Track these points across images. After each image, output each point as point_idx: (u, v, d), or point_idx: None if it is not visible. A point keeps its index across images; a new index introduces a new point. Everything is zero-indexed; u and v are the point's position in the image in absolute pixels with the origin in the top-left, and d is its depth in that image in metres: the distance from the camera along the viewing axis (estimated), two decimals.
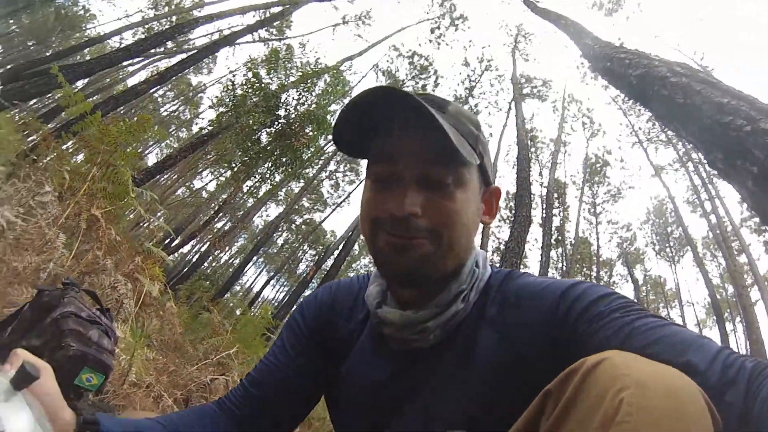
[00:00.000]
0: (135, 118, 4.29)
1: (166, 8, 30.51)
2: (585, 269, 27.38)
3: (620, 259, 30.42)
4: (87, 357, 1.42)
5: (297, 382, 1.09)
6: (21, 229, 1.95)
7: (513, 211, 11.29)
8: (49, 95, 13.37)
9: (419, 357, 0.96)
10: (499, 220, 23.78)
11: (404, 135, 0.90)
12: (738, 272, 18.36)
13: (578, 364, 0.63)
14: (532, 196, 11.36)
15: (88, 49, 20.91)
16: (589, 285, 0.88)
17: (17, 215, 1.92)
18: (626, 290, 29.40)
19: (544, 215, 19.87)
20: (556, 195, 25.26)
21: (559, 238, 26.16)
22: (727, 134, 2.76)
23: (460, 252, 0.93)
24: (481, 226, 1.02)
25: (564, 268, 25.96)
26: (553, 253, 26.34)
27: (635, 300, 0.85)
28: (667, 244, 30.16)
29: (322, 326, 1.12)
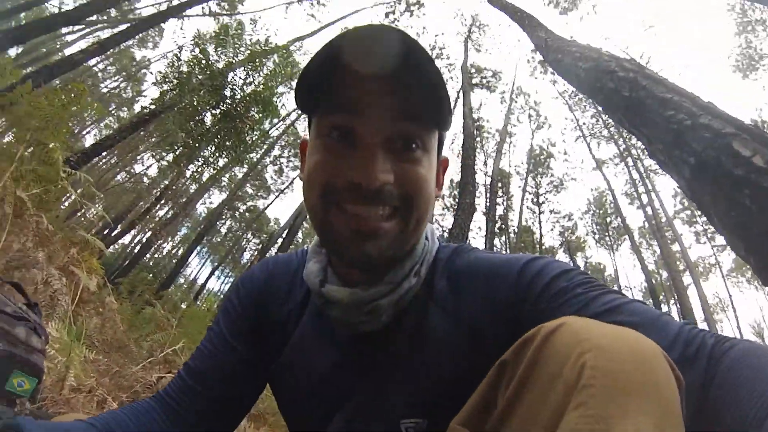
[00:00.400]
0: (70, 91, 4.01)
1: None
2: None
3: (562, 247, 31.71)
4: (14, 357, 1.29)
5: (237, 371, 0.97)
6: None
7: (457, 199, 11.42)
8: None
9: (367, 341, 0.87)
10: (443, 208, 24.30)
11: (376, 81, 0.74)
12: (671, 259, 19.48)
13: (534, 332, 0.60)
14: (476, 185, 11.49)
15: (24, 13, 19.68)
16: (548, 260, 0.84)
17: None
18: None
19: (488, 204, 20.43)
20: (500, 184, 26.01)
21: (503, 226, 27.05)
22: (668, 127, 2.90)
23: (422, 227, 0.84)
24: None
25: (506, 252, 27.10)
26: (496, 241, 27.19)
27: (594, 277, 0.82)
28: (606, 233, 31.81)
29: (258, 308, 1.01)
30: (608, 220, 31.24)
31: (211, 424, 0.96)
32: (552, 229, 31.29)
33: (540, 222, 29.66)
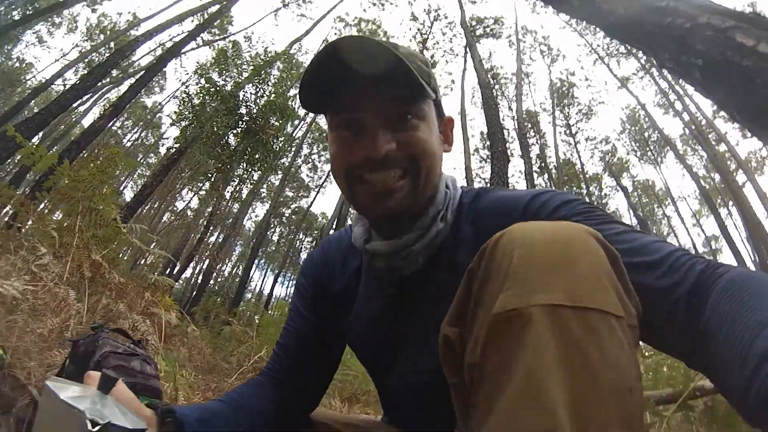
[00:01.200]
0: (102, 156, 4.29)
1: (102, 36, 29.88)
2: (574, 188, 27.89)
3: (606, 171, 30.95)
4: (136, 386, 1.50)
5: (316, 339, 1.18)
6: (33, 296, 2.04)
7: (490, 150, 11.40)
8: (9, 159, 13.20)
9: (409, 284, 1.01)
10: (480, 161, 24.03)
11: (364, 80, 0.92)
12: (720, 160, 18.73)
13: (488, 241, 0.69)
14: (505, 131, 11.43)
15: (34, 100, 20.55)
16: (553, 193, 0.93)
17: (26, 283, 2.00)
18: (618, 200, 30.16)
19: (521, 146, 20.08)
20: (529, 125, 25.55)
21: (542, 165, 26.57)
22: (670, 35, 2.87)
23: (434, 180, 0.99)
24: (444, 155, 1.06)
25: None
26: (540, 181, 26.82)
27: (600, 207, 0.90)
28: (647, 149, 30.83)
29: (322, 283, 1.20)
30: (646, 135, 30.24)
31: (306, 384, 1.19)
32: (592, 157, 30.87)
33: (578, 152, 29.17)
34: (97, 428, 0.71)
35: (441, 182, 1.03)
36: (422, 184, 0.95)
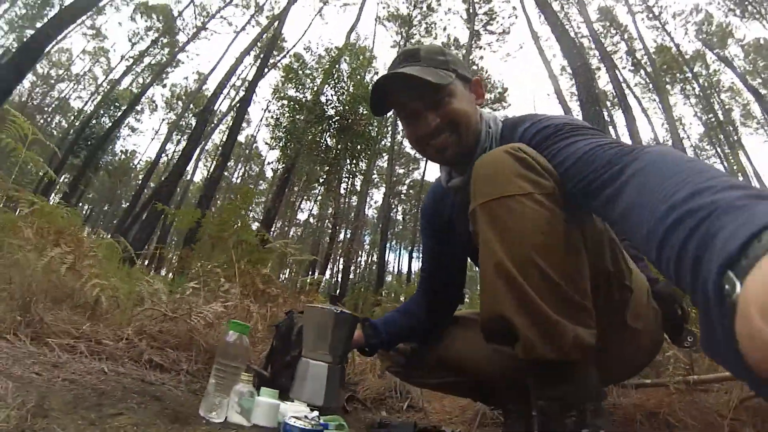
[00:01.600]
0: (235, 198, 5.14)
1: (180, 102, 32.99)
2: (677, 74, 25.53)
3: (705, 46, 28.01)
4: None
5: (442, 257, 1.72)
6: (228, 312, 2.85)
7: (570, 68, 11.16)
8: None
9: None
10: (569, 78, 22.89)
11: (404, 91, 1.38)
12: None
13: None
14: (578, 43, 11.11)
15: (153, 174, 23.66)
16: (533, 121, 1.29)
17: (221, 305, 2.80)
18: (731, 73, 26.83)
19: (600, 53, 19.01)
20: (607, 23, 23.83)
21: (635, 60, 24.69)
22: None
23: (472, 127, 1.39)
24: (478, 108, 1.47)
25: (650, 86, 24.56)
26: (638, 79, 25.00)
27: (570, 122, 1.20)
28: (746, 2, 27.24)
29: (434, 218, 1.71)
30: None
31: (445, 290, 1.75)
32: (686, 33, 27.91)
33: (668, 33, 26.76)
34: (339, 311, 1.34)
35: (483, 125, 1.43)
36: (463, 135, 1.38)
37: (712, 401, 1.64)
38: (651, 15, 26.81)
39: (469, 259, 1.73)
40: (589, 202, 1.00)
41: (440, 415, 2.64)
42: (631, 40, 26.46)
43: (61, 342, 2.04)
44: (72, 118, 34.99)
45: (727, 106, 31.80)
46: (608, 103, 23.59)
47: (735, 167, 27.30)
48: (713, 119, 30.04)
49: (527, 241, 1.05)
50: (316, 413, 1.37)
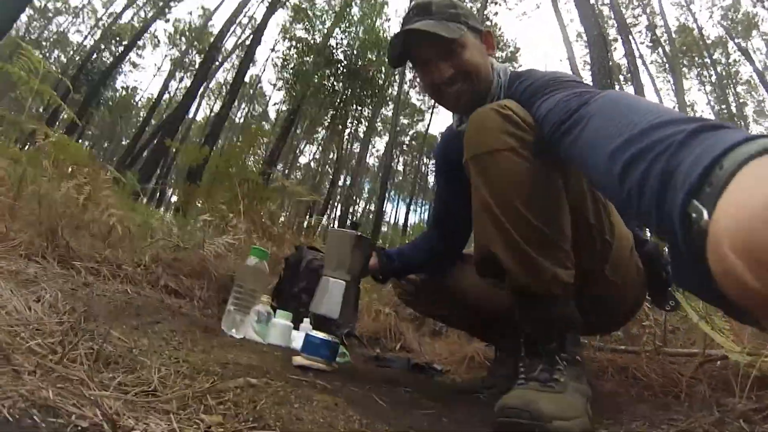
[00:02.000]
0: (244, 136, 5.25)
1: (183, 39, 32.22)
2: (696, 58, 24.76)
3: (729, 33, 27.13)
4: None
5: (454, 197, 1.71)
6: (240, 242, 3.05)
7: (586, 36, 10.96)
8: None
9: None
10: (584, 46, 22.50)
11: (420, 45, 1.45)
12: None
13: None
14: (597, 11, 10.93)
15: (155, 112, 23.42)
16: (525, 79, 1.38)
17: (231, 238, 2.98)
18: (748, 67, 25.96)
19: (618, 25, 18.51)
20: None
21: (654, 37, 24.07)
22: None
23: (483, 76, 1.46)
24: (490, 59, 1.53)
25: (667, 66, 23.85)
26: (654, 56, 24.24)
27: (556, 78, 1.27)
28: None
29: (445, 160, 1.78)
30: None
31: (455, 228, 1.81)
32: (711, 17, 26.85)
33: (692, 14, 25.66)
34: (359, 234, 1.50)
35: (494, 74, 1.49)
36: (476, 82, 1.45)
37: (676, 366, 1.82)
38: None
39: None
40: (560, 150, 1.08)
41: (430, 357, 2.82)
42: (653, 15, 25.60)
43: (86, 265, 2.19)
44: (71, 52, 34.27)
45: (741, 100, 31.30)
46: (621, 78, 23.03)
47: None
48: (726, 110, 29.57)
49: (511, 191, 1.19)
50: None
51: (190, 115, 31.81)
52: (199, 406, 0.82)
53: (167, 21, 33.91)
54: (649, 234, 1.69)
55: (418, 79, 1.70)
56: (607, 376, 1.92)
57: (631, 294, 1.55)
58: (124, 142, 34.85)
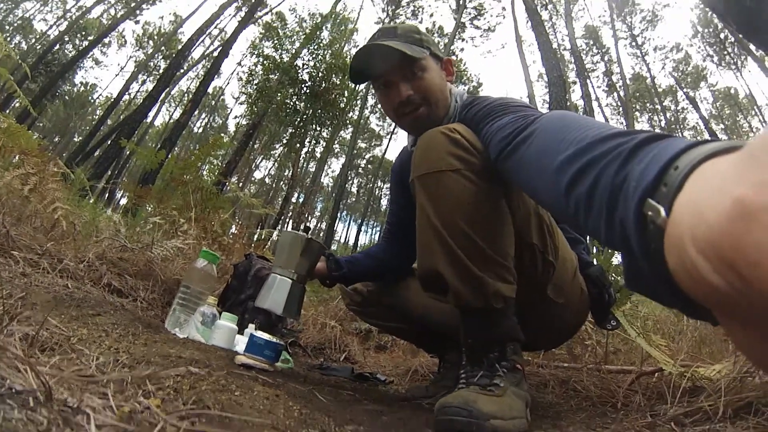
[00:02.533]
0: (205, 144, 5.17)
1: (151, 42, 31.70)
2: (647, 104, 26.23)
3: (679, 84, 28.85)
4: None
5: (407, 209, 1.65)
6: (187, 249, 2.99)
7: (546, 77, 11.41)
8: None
9: None
10: (545, 86, 23.37)
11: (381, 62, 1.48)
12: None
13: None
14: (559, 54, 11.43)
15: (113, 113, 22.71)
16: (475, 105, 1.41)
17: (181, 243, 2.92)
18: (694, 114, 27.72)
19: (577, 68, 19.42)
20: (591, 42, 24.24)
21: (610, 82, 25.35)
22: None
23: (441, 101, 1.51)
24: (449, 84, 1.58)
25: (620, 110, 25.18)
26: (609, 100, 25.56)
27: (504, 103, 1.30)
28: (724, 52, 28.18)
29: (401, 177, 1.81)
30: (722, 36, 27.35)
31: (407, 243, 1.69)
32: (663, 68, 28.73)
33: (647, 64, 27.48)
34: (309, 234, 1.54)
35: (452, 99, 1.54)
36: (434, 108, 1.50)
37: (615, 380, 1.91)
38: (634, 43, 27.56)
39: None
40: (506, 169, 1.11)
41: (375, 368, 2.82)
42: (611, 63, 27.20)
43: (25, 256, 2.11)
44: (33, 41, 33.10)
45: None
46: None
47: None
48: None
49: (455, 210, 1.23)
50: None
51: (149, 120, 31.22)
52: (138, 390, 0.81)
53: (137, 22, 33.38)
54: (596, 250, 1.75)
55: (379, 103, 1.77)
56: (548, 389, 1.98)
57: (574, 313, 1.59)
58: (76, 139, 33.67)
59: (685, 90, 29.16)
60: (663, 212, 0.43)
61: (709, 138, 0.50)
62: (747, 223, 0.30)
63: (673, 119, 31.11)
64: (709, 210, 0.34)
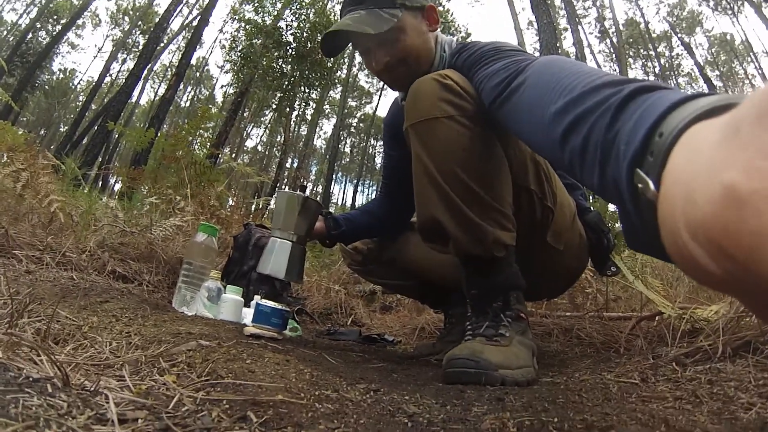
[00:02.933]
0: (193, 117, 5.12)
1: (127, 18, 30.83)
2: (641, 50, 25.73)
3: (673, 29, 28.24)
4: None
5: (401, 165, 1.69)
6: (186, 226, 3.03)
7: (536, 24, 11.09)
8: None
9: None
10: (536, 33, 22.87)
11: (354, 38, 1.47)
12: None
13: None
14: (549, 0, 11.09)
15: (96, 96, 22.29)
16: (465, 51, 1.39)
17: (179, 221, 2.96)
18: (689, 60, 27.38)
19: (567, 14, 18.99)
20: None
21: (602, 28, 24.83)
22: None
23: (424, 56, 1.48)
24: (434, 34, 1.53)
25: (613, 57, 24.84)
26: (602, 47, 25.10)
27: (495, 48, 1.27)
28: None
29: (394, 131, 1.76)
30: None
31: (404, 197, 1.71)
32: (657, 12, 28.07)
33: (640, 9, 26.74)
34: (306, 196, 1.54)
35: (437, 49, 1.51)
36: (415, 65, 1.47)
37: (616, 325, 1.96)
38: None
39: None
40: (499, 117, 1.11)
41: (382, 329, 2.88)
42: (603, 8, 26.69)
43: (27, 254, 2.14)
44: (5, 33, 32.19)
45: (683, 91, 32.90)
46: None
47: None
48: None
49: (450, 157, 1.23)
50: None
51: (134, 99, 30.72)
52: (152, 369, 0.84)
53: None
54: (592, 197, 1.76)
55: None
56: (552, 338, 2.02)
57: (574, 260, 1.62)
58: (62, 129, 33.26)
59: (679, 36, 28.75)
60: (652, 186, 0.43)
61: (698, 92, 0.49)
62: (739, 210, 0.29)
63: (667, 65, 30.87)
64: (699, 195, 0.33)
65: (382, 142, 2.06)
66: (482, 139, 1.25)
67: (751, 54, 30.31)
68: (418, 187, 1.31)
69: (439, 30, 1.56)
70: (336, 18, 16.58)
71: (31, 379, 0.60)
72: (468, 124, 1.23)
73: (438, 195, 1.24)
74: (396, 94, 1.73)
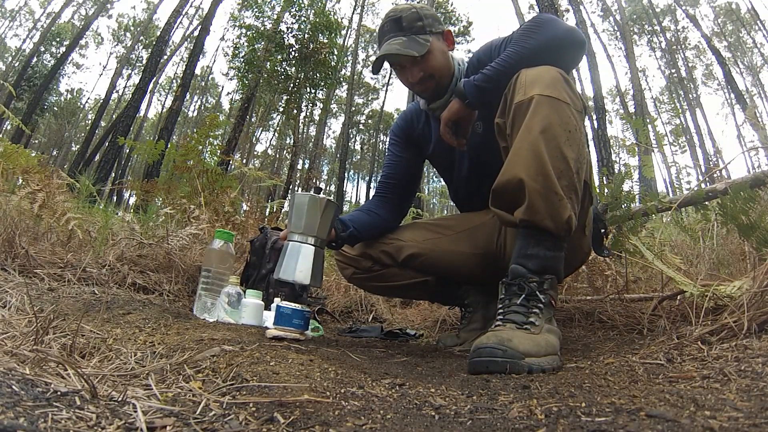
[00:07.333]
0: (202, 125, 5.15)
1: (128, 34, 31.12)
2: (645, 26, 25.44)
3: (677, 1, 27.96)
4: None
5: (406, 170, 2.06)
6: (203, 234, 3.05)
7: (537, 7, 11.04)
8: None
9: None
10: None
11: (395, 59, 1.76)
12: None
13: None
14: None
15: (104, 113, 22.53)
16: (481, 50, 1.80)
17: (195, 229, 2.98)
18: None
19: None
20: None
21: (605, 6, 24.63)
22: None
23: (446, 71, 1.79)
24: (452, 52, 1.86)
25: (618, 35, 24.63)
26: (606, 25, 24.77)
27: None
28: None
29: (407, 134, 2.06)
30: None
31: (400, 199, 2.07)
32: None
33: None
34: (327, 197, 1.53)
35: (455, 65, 1.82)
36: (439, 80, 1.78)
37: (638, 307, 1.94)
38: None
39: (435, 169, 2.14)
40: None
41: (403, 324, 2.90)
42: None
43: (49, 272, 2.17)
44: (10, 59, 32.61)
45: (690, 64, 32.80)
46: None
47: (692, 123, 28.54)
48: (675, 75, 31.03)
49: (561, 135, 1.34)
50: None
51: (142, 113, 31.02)
52: (178, 376, 0.85)
53: (110, 17, 32.86)
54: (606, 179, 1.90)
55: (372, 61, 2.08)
56: (575, 323, 2.02)
57: (587, 242, 1.73)
58: (74, 148, 33.64)
59: (684, 8, 28.42)
60: None
61: None
62: None
63: (673, 40, 30.52)
64: None
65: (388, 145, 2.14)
66: (582, 132, 1.42)
67: (758, 22, 29.66)
68: (516, 148, 1.38)
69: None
70: (336, 18, 17.11)
71: (59, 393, 0.61)
72: (578, 116, 1.41)
73: (533, 158, 1.32)
74: (402, 92, 1.96)
